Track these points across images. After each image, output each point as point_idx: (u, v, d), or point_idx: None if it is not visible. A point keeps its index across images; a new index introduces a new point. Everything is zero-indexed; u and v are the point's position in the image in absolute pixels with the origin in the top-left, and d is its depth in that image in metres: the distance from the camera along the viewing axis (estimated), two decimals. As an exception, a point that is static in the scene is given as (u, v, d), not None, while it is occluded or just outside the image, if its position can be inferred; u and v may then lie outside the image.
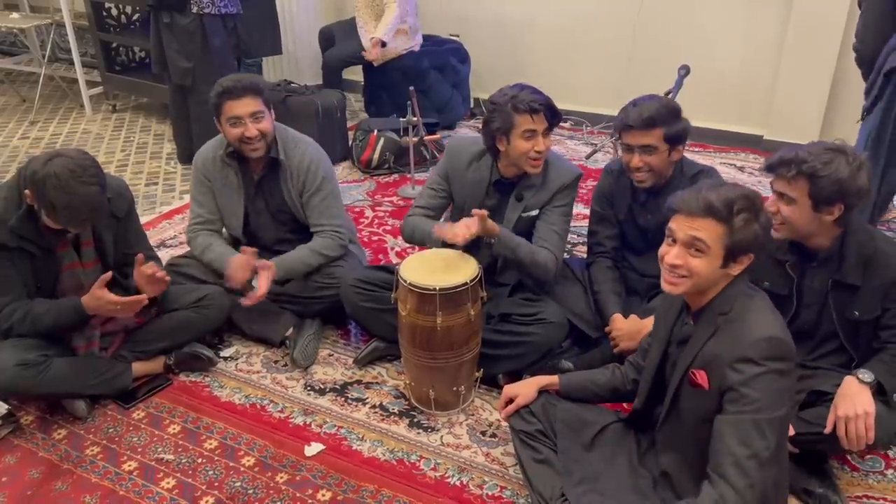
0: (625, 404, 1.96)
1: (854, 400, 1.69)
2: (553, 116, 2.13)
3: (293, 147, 2.47)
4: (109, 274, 2.04)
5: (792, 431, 1.72)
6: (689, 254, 1.49)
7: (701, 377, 1.49)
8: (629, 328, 2.19)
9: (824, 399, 1.78)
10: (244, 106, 2.31)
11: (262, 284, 2.31)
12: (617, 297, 2.29)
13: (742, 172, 3.85)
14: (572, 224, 3.23)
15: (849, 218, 1.76)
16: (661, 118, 2.08)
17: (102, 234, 2.16)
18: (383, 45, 4.18)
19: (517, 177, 2.25)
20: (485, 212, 2.04)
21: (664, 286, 1.55)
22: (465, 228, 2.03)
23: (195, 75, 3.76)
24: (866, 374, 1.72)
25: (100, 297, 2.01)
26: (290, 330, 2.47)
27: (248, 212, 2.52)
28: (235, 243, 2.58)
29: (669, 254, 1.52)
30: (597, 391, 1.88)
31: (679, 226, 1.51)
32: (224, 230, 2.59)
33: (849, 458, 2.00)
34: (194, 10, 3.63)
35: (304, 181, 2.46)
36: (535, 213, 2.26)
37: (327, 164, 2.53)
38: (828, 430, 1.71)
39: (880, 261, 1.77)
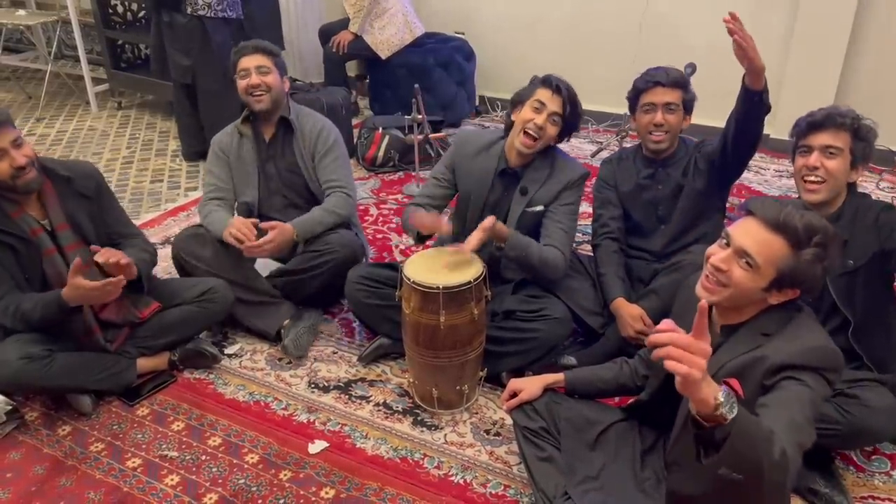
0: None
1: None
2: (572, 106, 2.18)
3: (306, 116, 2.67)
4: (78, 261, 1.97)
5: None
6: (737, 263, 1.39)
7: (735, 385, 1.26)
8: (635, 312, 2.23)
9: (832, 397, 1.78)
10: (252, 60, 2.55)
11: (269, 237, 2.34)
12: (621, 282, 2.32)
13: (748, 171, 3.82)
14: (577, 223, 3.22)
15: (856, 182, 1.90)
16: (683, 81, 2.30)
17: (75, 214, 2.17)
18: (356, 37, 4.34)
19: (521, 166, 2.26)
20: (493, 218, 2.07)
21: (699, 290, 1.46)
22: (467, 243, 2.05)
23: (197, 73, 3.76)
24: None
25: (76, 285, 1.95)
26: (287, 321, 2.48)
27: (260, 178, 2.62)
28: (248, 214, 2.62)
29: (718, 255, 1.42)
30: (602, 387, 1.88)
31: (741, 231, 1.40)
32: (236, 203, 2.66)
33: (854, 458, 1.99)
34: (188, 10, 3.62)
35: (315, 143, 2.62)
36: (539, 208, 2.26)
37: (337, 132, 2.69)
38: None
39: (862, 208, 1.88)
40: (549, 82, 2.18)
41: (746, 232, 1.40)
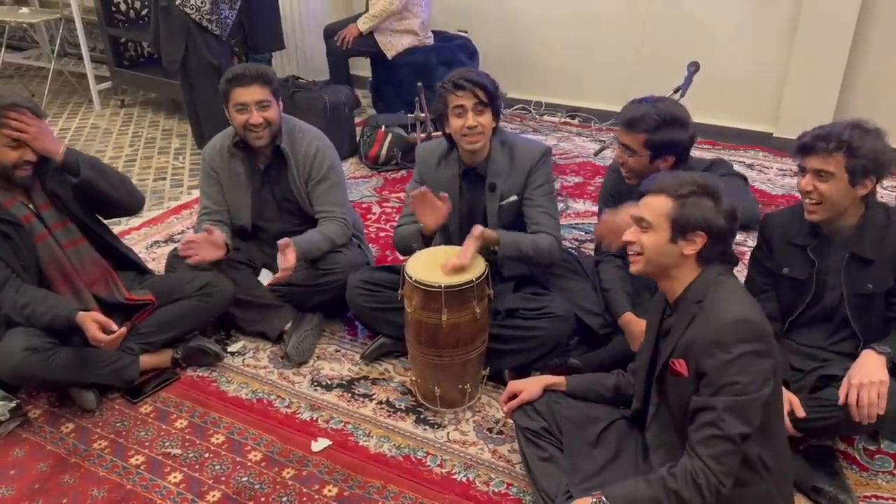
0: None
1: (869, 369, 1.71)
2: (483, 90, 2.13)
3: (299, 137, 2.50)
4: (124, 331, 2.08)
5: (803, 414, 1.75)
6: (640, 231, 1.58)
7: (680, 365, 1.51)
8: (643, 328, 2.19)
9: (834, 383, 1.79)
10: (251, 94, 2.35)
11: (289, 258, 2.27)
12: (627, 296, 2.29)
13: (752, 170, 3.82)
14: (579, 222, 3.20)
15: (874, 192, 1.82)
16: (645, 123, 2.01)
17: (56, 190, 2.21)
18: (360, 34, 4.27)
19: (480, 164, 2.27)
20: (480, 227, 2.09)
21: (632, 269, 1.63)
22: (464, 253, 2.04)
23: (188, 64, 3.72)
24: (884, 347, 1.75)
25: (88, 328, 2.03)
26: (288, 324, 2.48)
27: (255, 203, 2.54)
28: (242, 233, 2.59)
29: (625, 235, 1.62)
30: (603, 392, 1.88)
31: (635, 208, 1.61)
32: (230, 221, 2.59)
33: (857, 457, 1.99)
34: (177, 1, 3.57)
35: (309, 170, 2.49)
36: (514, 198, 2.27)
37: (333, 153, 2.55)
38: (842, 400, 1.71)
39: (893, 231, 1.83)
40: (449, 88, 2.14)
41: (637, 205, 1.61)
